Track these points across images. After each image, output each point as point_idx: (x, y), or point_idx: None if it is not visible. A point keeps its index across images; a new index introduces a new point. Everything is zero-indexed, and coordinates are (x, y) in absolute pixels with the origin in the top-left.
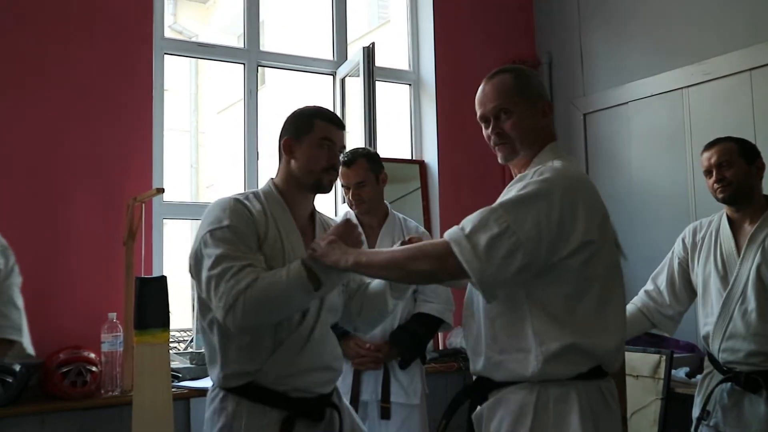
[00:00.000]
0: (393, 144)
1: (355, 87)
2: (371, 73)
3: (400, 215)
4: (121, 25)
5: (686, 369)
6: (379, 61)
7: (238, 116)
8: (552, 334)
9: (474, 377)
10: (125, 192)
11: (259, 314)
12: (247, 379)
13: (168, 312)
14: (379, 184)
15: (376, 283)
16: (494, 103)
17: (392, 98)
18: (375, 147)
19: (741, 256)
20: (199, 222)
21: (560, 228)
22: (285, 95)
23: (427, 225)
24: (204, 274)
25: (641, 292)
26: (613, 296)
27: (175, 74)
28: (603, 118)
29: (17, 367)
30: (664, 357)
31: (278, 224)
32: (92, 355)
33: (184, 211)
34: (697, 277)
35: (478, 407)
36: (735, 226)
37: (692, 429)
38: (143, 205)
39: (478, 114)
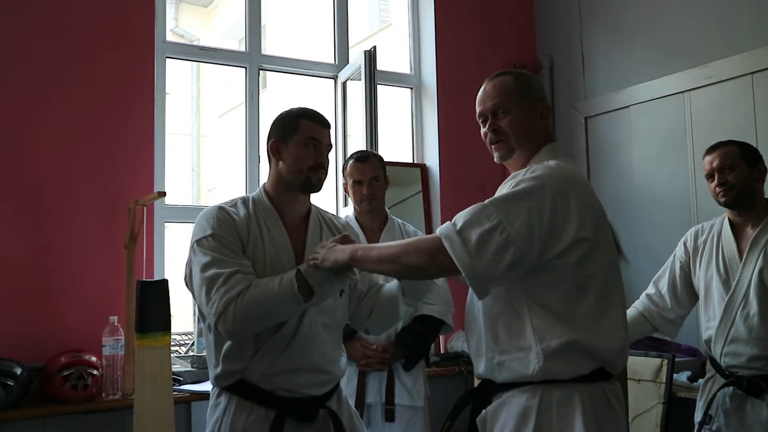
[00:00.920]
0: (394, 147)
1: (357, 90)
2: (373, 76)
3: (399, 220)
4: (122, 29)
5: (688, 373)
6: (381, 65)
7: (240, 120)
8: (552, 331)
9: (477, 380)
10: (127, 195)
11: (250, 321)
12: (235, 378)
13: (169, 315)
14: (386, 185)
15: (389, 288)
16: (493, 101)
17: (393, 102)
18: (376, 150)
19: (743, 260)
20: None
21: (552, 225)
22: (286, 99)
23: (429, 229)
24: (195, 282)
25: (643, 296)
26: (612, 296)
27: (177, 78)
28: (604, 122)
29: (18, 371)
30: (665, 361)
31: (262, 229)
32: (93, 359)
33: (185, 214)
34: (699, 281)
35: (483, 411)
36: (737, 230)
37: None
38: (145, 208)
39: (477, 111)
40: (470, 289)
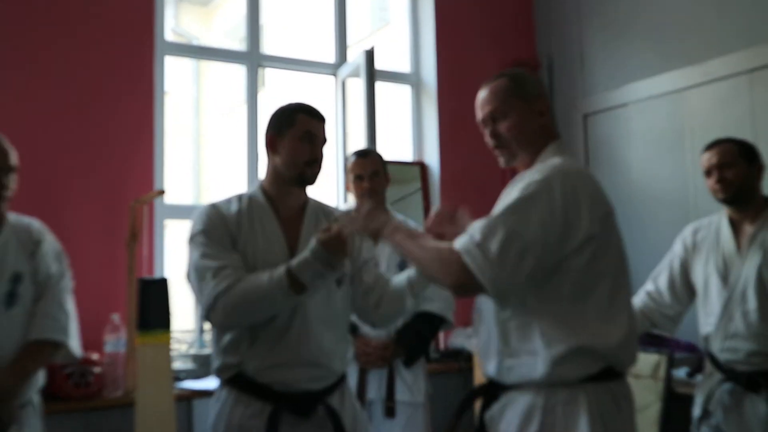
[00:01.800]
0: (394, 146)
1: (356, 89)
2: (372, 74)
3: (401, 216)
4: (122, 28)
5: (686, 369)
6: (380, 64)
7: (239, 118)
8: (559, 335)
9: (482, 378)
10: (127, 194)
11: (238, 315)
12: (234, 371)
13: (170, 313)
14: (386, 182)
15: (397, 281)
16: (491, 106)
17: (393, 100)
18: (376, 148)
19: (742, 257)
20: None
21: (565, 223)
22: (286, 97)
23: None
24: (190, 278)
25: (641, 293)
26: (621, 296)
27: (178, 77)
28: (603, 120)
29: None
30: (664, 357)
31: (255, 223)
32: (95, 356)
33: (185, 212)
34: (698, 278)
35: (490, 409)
36: (735, 227)
37: (693, 429)
38: (145, 206)
39: (478, 119)
40: None
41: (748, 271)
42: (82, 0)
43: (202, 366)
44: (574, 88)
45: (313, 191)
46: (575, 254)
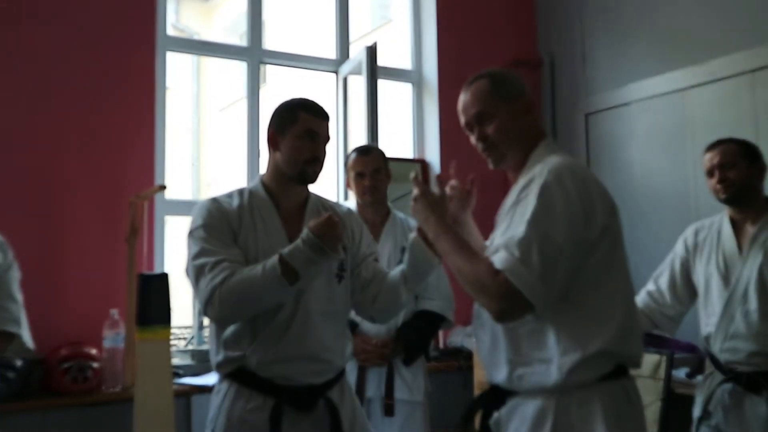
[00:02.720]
0: (395, 143)
1: (358, 85)
2: (374, 71)
3: (401, 214)
4: (123, 23)
5: (686, 369)
6: (382, 60)
7: (240, 115)
8: (575, 342)
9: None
10: (127, 189)
11: (236, 307)
12: (235, 365)
13: (169, 309)
14: (388, 179)
15: (393, 275)
16: (475, 110)
17: (394, 97)
18: (377, 145)
19: (743, 257)
20: None
21: (585, 218)
22: (287, 93)
23: None
24: (188, 273)
25: (642, 292)
26: (630, 292)
27: (178, 73)
28: (605, 119)
29: (18, 363)
30: (664, 357)
31: (256, 218)
32: (94, 352)
33: (185, 208)
34: (699, 278)
35: (495, 413)
36: (737, 227)
37: (693, 429)
38: (145, 202)
39: (462, 123)
40: None
41: (749, 271)
42: None
43: (201, 362)
44: (576, 87)
45: (313, 188)
46: (593, 249)
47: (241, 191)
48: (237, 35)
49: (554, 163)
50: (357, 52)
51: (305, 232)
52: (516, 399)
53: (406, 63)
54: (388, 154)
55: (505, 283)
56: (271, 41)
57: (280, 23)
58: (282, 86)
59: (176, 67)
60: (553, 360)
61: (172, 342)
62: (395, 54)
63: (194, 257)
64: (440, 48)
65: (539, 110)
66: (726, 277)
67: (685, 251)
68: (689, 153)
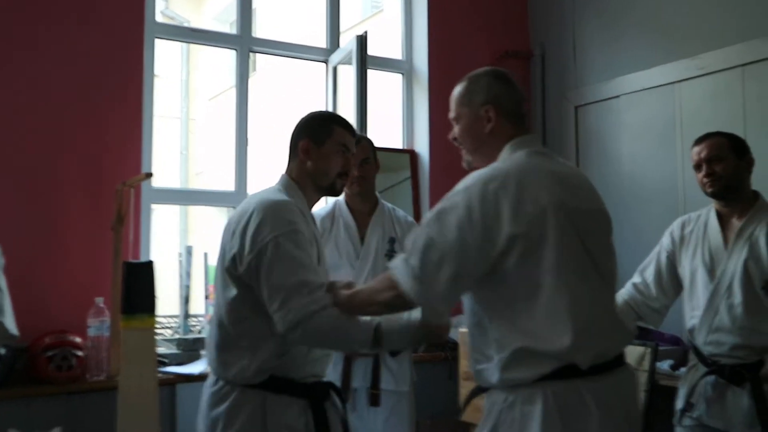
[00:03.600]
0: (384, 133)
1: (348, 75)
2: (364, 61)
3: (389, 205)
4: (112, 9)
5: (671, 361)
6: (372, 50)
7: (229, 103)
8: (506, 339)
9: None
10: (114, 177)
11: (315, 341)
12: (270, 372)
13: (155, 298)
14: (376, 168)
15: None
16: (451, 112)
17: (384, 87)
18: (366, 136)
19: (728, 251)
20: (233, 215)
21: (484, 228)
22: (276, 82)
23: (417, 215)
24: (273, 282)
25: (628, 285)
26: (573, 292)
27: (167, 60)
28: (595, 111)
29: (2, 351)
30: (649, 349)
31: (309, 225)
32: (78, 340)
33: (173, 196)
34: (684, 271)
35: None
36: (723, 221)
37: (675, 420)
38: (132, 190)
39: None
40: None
41: (734, 265)
42: None
43: (186, 351)
44: (566, 79)
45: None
46: (503, 256)
47: (290, 196)
48: (227, 23)
49: (479, 171)
50: (347, 41)
51: (420, 326)
52: (484, 395)
53: (397, 53)
54: (377, 144)
55: (390, 277)
56: (261, 29)
57: (271, 11)
58: (272, 75)
59: (165, 55)
60: (493, 357)
61: (157, 331)
62: (386, 44)
63: (288, 272)
64: (431, 38)
65: (529, 102)
66: (711, 271)
67: (672, 244)
68: (679, 146)
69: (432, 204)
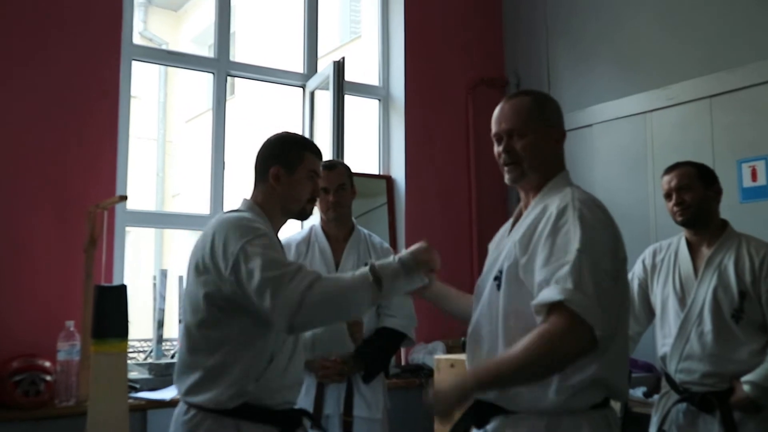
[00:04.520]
0: (361, 159)
1: (325, 100)
2: (341, 87)
3: (365, 231)
4: (88, 30)
5: (643, 388)
6: (349, 76)
7: (207, 126)
8: (576, 366)
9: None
10: (87, 198)
11: (326, 310)
12: (245, 398)
13: (127, 321)
14: (352, 194)
15: None
16: (509, 124)
17: (361, 113)
18: (343, 161)
19: (698, 279)
20: (200, 237)
21: (615, 251)
22: (254, 106)
23: (393, 241)
24: (255, 282)
25: None
26: (625, 323)
27: (144, 82)
28: (568, 139)
29: None
30: None
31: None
32: (47, 364)
33: (147, 219)
34: (656, 299)
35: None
36: (693, 249)
37: None
38: (105, 212)
39: (493, 131)
40: (478, 307)
41: (703, 293)
42: (47, 0)
43: (159, 376)
44: None
45: None
46: (616, 279)
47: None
48: (206, 45)
49: (579, 194)
50: (325, 66)
51: (405, 253)
52: (503, 417)
53: (374, 79)
54: (354, 170)
55: (568, 313)
56: (240, 53)
57: (250, 35)
58: (250, 99)
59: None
60: (552, 382)
61: (130, 355)
62: (363, 70)
63: (268, 264)
64: (408, 65)
65: None
66: (682, 299)
67: (643, 272)
68: (650, 175)
69: (408, 229)
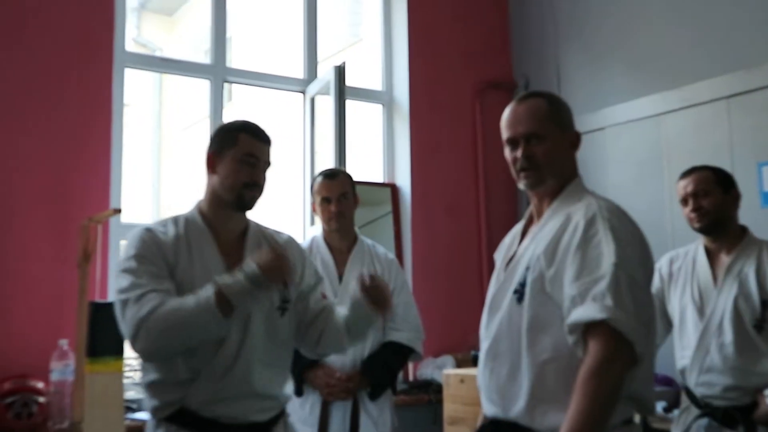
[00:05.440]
0: (364, 166)
1: (326, 106)
2: (342, 92)
3: (369, 241)
4: (80, 36)
5: (663, 403)
6: (351, 81)
7: (205, 134)
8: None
9: (487, 418)
10: (80, 212)
11: (163, 340)
12: (173, 408)
13: (122, 339)
14: (355, 203)
15: (337, 318)
16: (527, 127)
17: (364, 119)
18: (345, 169)
19: (718, 288)
20: None
21: (646, 260)
22: (253, 112)
23: (398, 252)
24: (115, 307)
25: None
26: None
27: (139, 89)
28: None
29: None
30: None
31: (192, 249)
32: (40, 385)
33: None
34: (674, 309)
35: None
36: (712, 257)
37: None
38: (99, 226)
39: (506, 136)
40: (498, 320)
41: (723, 302)
42: (38, 7)
43: None
44: None
45: (278, 214)
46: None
47: (176, 219)
48: (202, 51)
49: (605, 204)
50: (325, 71)
51: (249, 264)
52: None
53: (376, 83)
54: (357, 178)
55: (611, 333)
56: (237, 59)
57: (247, 40)
58: (248, 105)
59: (137, 83)
60: None
61: (126, 374)
62: (365, 74)
63: (122, 290)
64: (412, 68)
65: None
66: (701, 309)
67: (660, 281)
68: (665, 179)
69: (414, 239)
